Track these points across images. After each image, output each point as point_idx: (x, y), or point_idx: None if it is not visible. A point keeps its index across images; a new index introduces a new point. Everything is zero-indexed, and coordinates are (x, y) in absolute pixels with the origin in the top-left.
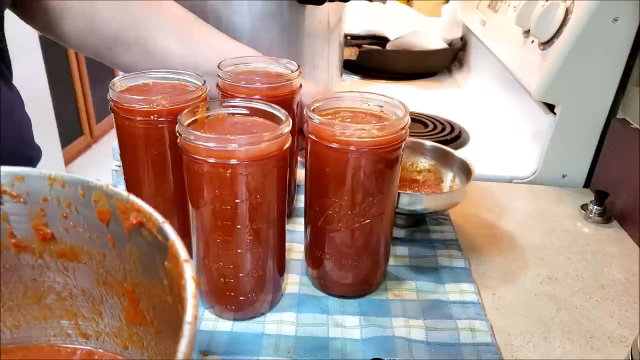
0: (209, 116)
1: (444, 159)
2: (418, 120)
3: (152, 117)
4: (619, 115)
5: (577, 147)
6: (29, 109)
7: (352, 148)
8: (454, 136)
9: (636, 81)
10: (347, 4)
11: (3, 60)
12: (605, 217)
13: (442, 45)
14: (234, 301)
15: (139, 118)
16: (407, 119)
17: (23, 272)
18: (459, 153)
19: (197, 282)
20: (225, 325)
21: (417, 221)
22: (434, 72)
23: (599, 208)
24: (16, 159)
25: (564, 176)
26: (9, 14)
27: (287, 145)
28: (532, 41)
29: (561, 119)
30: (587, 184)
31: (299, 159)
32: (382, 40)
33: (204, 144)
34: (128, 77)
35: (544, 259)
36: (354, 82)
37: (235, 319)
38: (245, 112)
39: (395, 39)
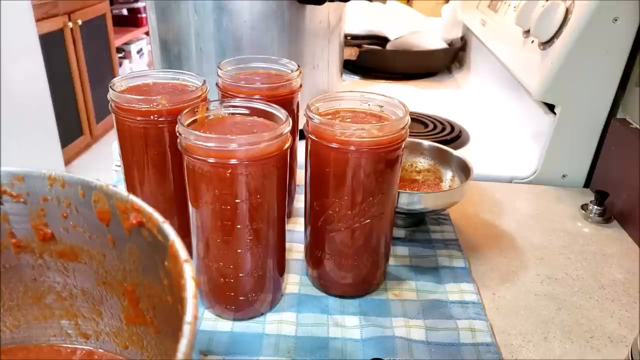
0: (209, 116)
1: (443, 159)
2: (418, 120)
3: (152, 117)
4: (619, 115)
5: (577, 147)
6: (29, 109)
7: (352, 148)
8: (453, 136)
9: (636, 81)
10: (347, 4)
11: None
12: (605, 217)
13: (442, 45)
14: (234, 301)
15: (139, 118)
16: (407, 119)
17: (23, 272)
18: (458, 152)
19: (197, 282)
20: (225, 325)
21: (417, 221)
22: (434, 72)
23: (599, 208)
24: None
25: (564, 176)
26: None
27: (287, 145)
28: (532, 41)
29: (561, 119)
30: (587, 184)
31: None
32: (382, 40)
33: (204, 144)
34: (128, 77)
35: (544, 259)
36: (354, 82)
37: (235, 319)
38: (245, 112)
39: (395, 39)
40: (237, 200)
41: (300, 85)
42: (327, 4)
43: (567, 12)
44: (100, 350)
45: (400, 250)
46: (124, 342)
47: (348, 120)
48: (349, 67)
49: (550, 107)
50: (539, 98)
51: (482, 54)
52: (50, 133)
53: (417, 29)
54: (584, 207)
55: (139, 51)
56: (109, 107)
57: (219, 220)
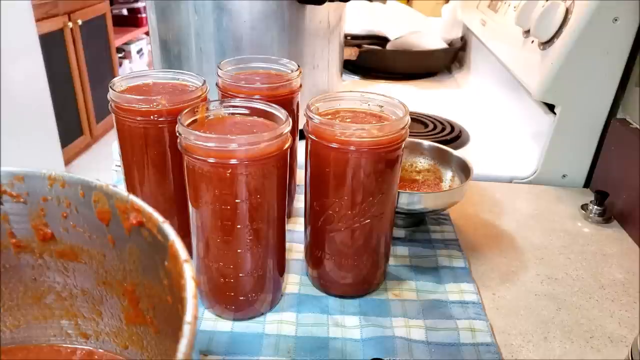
0: (209, 116)
1: (443, 159)
2: (418, 120)
3: (152, 117)
4: (619, 115)
5: (577, 147)
6: (29, 108)
7: (352, 148)
8: (453, 136)
9: (636, 81)
10: (347, 4)
11: None
12: (605, 217)
13: (442, 45)
14: (234, 301)
15: (139, 118)
16: (407, 119)
17: (23, 272)
18: (458, 152)
19: (197, 282)
20: (225, 325)
21: (417, 221)
22: (434, 72)
23: (599, 208)
24: None
25: (564, 176)
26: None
27: (287, 145)
28: (532, 41)
29: (561, 119)
30: (587, 184)
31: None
32: (382, 40)
33: (204, 144)
34: (128, 77)
35: (544, 259)
36: (354, 82)
37: (235, 319)
38: (245, 112)
39: (395, 39)
40: (237, 200)
41: (300, 85)
42: (327, 4)
43: (567, 12)
44: (100, 350)
45: (400, 250)
46: (124, 342)
47: (348, 120)
48: (349, 67)
49: (550, 107)
50: (539, 98)
51: (482, 54)
52: (50, 133)
53: (417, 29)
54: (584, 207)
55: (139, 51)
56: (109, 107)
57: (219, 220)
